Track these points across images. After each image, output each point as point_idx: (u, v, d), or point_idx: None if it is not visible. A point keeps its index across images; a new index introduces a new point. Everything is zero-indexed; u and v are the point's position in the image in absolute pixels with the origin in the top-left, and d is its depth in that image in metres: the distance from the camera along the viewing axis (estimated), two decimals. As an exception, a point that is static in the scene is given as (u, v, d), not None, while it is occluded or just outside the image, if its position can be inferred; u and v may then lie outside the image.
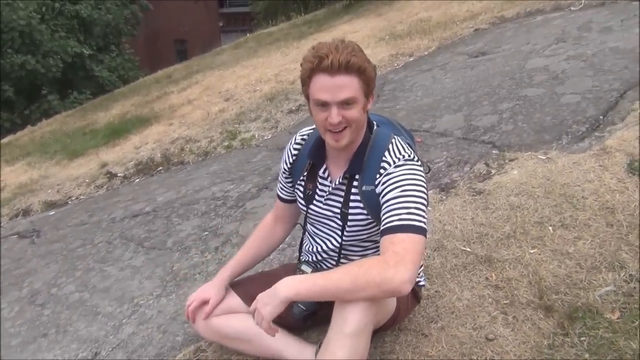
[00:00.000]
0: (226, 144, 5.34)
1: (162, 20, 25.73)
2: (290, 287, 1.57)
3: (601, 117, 3.27)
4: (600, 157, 2.79)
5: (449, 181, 3.05)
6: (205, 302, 2.01)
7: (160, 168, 5.30)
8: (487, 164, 3.10)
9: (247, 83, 7.25)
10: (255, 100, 6.33)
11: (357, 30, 8.14)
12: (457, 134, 3.64)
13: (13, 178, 6.39)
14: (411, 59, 5.99)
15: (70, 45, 16.21)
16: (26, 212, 5.12)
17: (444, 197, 2.89)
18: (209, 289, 2.05)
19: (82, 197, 5.20)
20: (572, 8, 5.66)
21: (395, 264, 1.50)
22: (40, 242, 4.10)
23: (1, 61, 14.43)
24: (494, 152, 3.24)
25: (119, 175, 5.43)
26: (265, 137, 5.22)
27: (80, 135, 7.79)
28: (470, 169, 3.12)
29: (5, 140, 10.25)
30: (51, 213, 4.90)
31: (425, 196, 1.65)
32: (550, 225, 2.42)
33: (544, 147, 3.12)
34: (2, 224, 4.95)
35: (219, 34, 27.29)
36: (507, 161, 3.06)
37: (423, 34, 6.70)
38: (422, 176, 1.69)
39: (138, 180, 5.20)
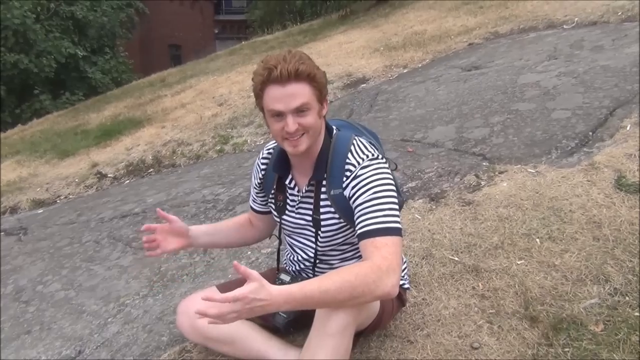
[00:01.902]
0: (218, 148, 5.35)
1: (157, 24, 25.78)
2: (286, 304, 1.47)
3: (590, 133, 3.31)
4: (588, 172, 2.83)
5: (439, 191, 3.07)
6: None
7: (151, 170, 5.30)
8: (477, 176, 3.13)
9: (241, 89, 7.26)
10: (249, 105, 6.33)
11: (352, 41, 8.19)
12: (449, 145, 3.67)
13: (1, 176, 6.34)
14: (405, 71, 6.04)
15: (64, 45, 16.15)
16: (14, 210, 5.10)
17: (434, 207, 2.91)
18: None
19: (71, 196, 5.18)
20: (564, 26, 5.74)
21: (387, 269, 1.53)
22: (27, 240, 4.07)
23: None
24: (484, 164, 3.27)
25: (109, 175, 5.41)
26: (258, 143, 5.23)
27: (72, 135, 7.76)
28: (461, 179, 3.14)
29: (-6, 138, 10.20)
30: (39, 211, 4.87)
31: (395, 194, 1.68)
32: (538, 238, 2.44)
33: (533, 160, 3.15)
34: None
35: (214, 41, 27.35)
36: (497, 173, 3.09)
37: (417, 46, 6.75)
38: (389, 174, 1.71)
39: (128, 181, 5.19)
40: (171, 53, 26.80)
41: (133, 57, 20.97)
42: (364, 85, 5.91)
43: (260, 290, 1.43)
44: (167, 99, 8.21)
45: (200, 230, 2.08)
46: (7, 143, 8.90)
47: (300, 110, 1.64)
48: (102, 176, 5.43)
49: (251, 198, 2.12)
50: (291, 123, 1.63)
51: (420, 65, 6.06)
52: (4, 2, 14.51)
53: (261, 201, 2.07)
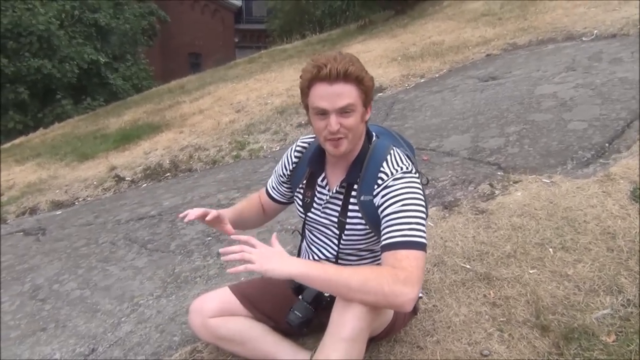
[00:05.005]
0: (234, 153, 5.40)
1: (178, 33, 26.11)
2: (302, 267, 1.56)
3: (607, 144, 3.29)
4: (604, 183, 2.81)
5: (452, 199, 3.07)
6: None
7: (168, 174, 5.36)
8: (491, 185, 3.12)
9: (258, 96, 7.33)
10: (266, 112, 6.39)
11: (370, 50, 8.22)
12: (463, 154, 3.67)
13: (22, 177, 6.46)
14: (422, 80, 6.05)
15: (86, 52, 16.40)
16: (33, 211, 5.18)
17: (447, 215, 2.91)
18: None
19: (89, 198, 5.26)
20: (583, 39, 5.71)
21: (405, 279, 1.52)
22: (45, 240, 4.14)
23: (17, 64, 14.63)
24: (498, 173, 3.27)
25: (127, 179, 5.48)
26: (274, 149, 5.28)
27: (91, 139, 7.87)
28: (475, 188, 3.14)
29: (16, 141, 10.39)
30: (58, 212, 4.95)
31: (424, 209, 1.67)
32: (551, 247, 2.43)
33: (548, 171, 3.14)
34: (8, 221, 5.00)
35: (233, 49, 27.60)
36: (511, 183, 3.08)
37: (435, 56, 6.76)
38: (420, 189, 1.71)
39: (145, 184, 5.26)
40: (191, 61, 27.08)
41: (154, 65, 21.23)
42: (381, 94, 5.93)
43: (282, 251, 1.61)
44: (185, 105, 8.30)
45: (233, 216, 2.05)
46: (29, 146, 9.06)
47: (344, 111, 1.66)
48: (120, 179, 5.50)
49: (271, 185, 2.13)
50: (334, 122, 1.65)
51: (437, 75, 6.07)
52: (30, 8, 14.82)
53: (285, 191, 2.08)
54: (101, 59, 16.87)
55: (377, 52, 7.93)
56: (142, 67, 19.49)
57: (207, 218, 1.90)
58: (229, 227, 1.97)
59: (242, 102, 7.26)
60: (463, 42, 7.08)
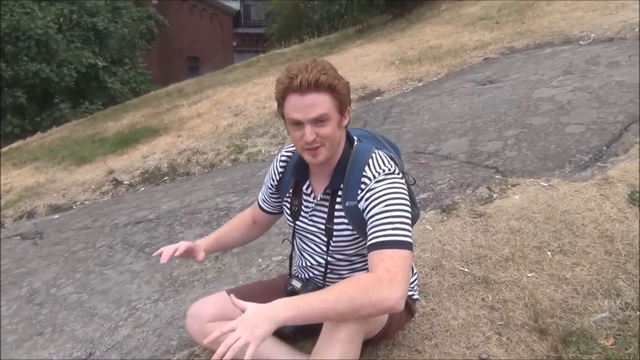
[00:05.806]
0: (233, 157, 5.40)
1: (176, 37, 26.15)
2: (287, 311, 1.48)
3: (604, 148, 3.30)
4: (601, 186, 2.81)
5: (450, 203, 3.07)
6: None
7: (166, 178, 5.36)
8: (489, 188, 3.12)
9: (256, 99, 7.33)
10: (264, 116, 6.39)
11: (368, 54, 8.23)
12: (461, 157, 3.67)
13: (20, 181, 6.45)
14: (420, 84, 6.05)
15: (85, 56, 16.46)
16: (31, 215, 5.17)
17: (445, 218, 2.91)
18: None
19: (87, 202, 5.26)
20: (581, 42, 5.73)
21: (389, 282, 1.51)
22: (42, 244, 4.13)
23: (15, 68, 14.65)
24: (496, 176, 3.27)
25: (124, 182, 5.48)
26: (272, 152, 5.27)
27: (89, 143, 7.86)
28: (473, 192, 3.14)
29: (14, 145, 10.38)
30: (55, 216, 4.95)
31: (408, 209, 1.67)
32: (549, 251, 2.43)
33: (546, 174, 3.14)
34: (6, 225, 5.00)
35: (232, 53, 27.64)
36: (509, 186, 3.08)
37: (433, 60, 6.77)
38: (404, 189, 1.71)
39: (143, 188, 5.25)
40: (189, 65, 27.11)
41: (152, 68, 21.26)
42: (379, 97, 5.94)
43: (258, 306, 1.49)
44: (183, 109, 8.31)
45: (210, 245, 2.08)
46: (27, 149, 9.05)
47: (319, 121, 1.65)
48: (118, 183, 5.50)
49: (261, 197, 2.12)
50: (309, 133, 1.64)
51: (435, 79, 6.08)
52: (28, 12, 14.85)
53: (274, 202, 2.08)
54: (99, 62, 16.92)
55: (375, 56, 7.94)
56: (140, 71, 19.53)
57: (177, 253, 1.91)
58: (200, 255, 1.99)
59: (240, 106, 7.26)
60: (461, 46, 7.09)
